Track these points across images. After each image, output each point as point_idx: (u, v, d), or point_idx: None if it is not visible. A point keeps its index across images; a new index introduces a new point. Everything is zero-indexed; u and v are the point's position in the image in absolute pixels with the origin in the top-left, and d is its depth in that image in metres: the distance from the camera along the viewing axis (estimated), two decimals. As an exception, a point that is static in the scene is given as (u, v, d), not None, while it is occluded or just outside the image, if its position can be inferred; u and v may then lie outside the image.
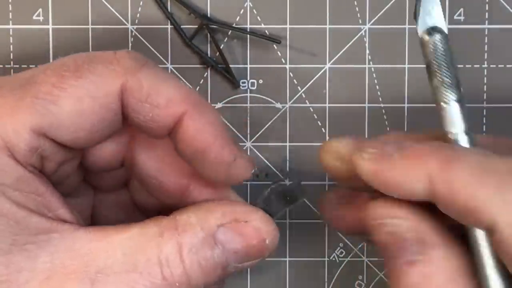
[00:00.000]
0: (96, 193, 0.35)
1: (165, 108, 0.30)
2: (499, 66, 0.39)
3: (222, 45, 0.39)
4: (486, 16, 0.39)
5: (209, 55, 0.39)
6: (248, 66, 0.40)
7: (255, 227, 0.30)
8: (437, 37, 0.29)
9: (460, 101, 0.29)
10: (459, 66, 0.39)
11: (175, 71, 0.39)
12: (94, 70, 0.29)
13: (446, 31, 0.29)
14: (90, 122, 0.29)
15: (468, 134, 0.29)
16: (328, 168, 0.31)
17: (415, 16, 0.29)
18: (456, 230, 0.28)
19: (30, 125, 0.28)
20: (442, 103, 0.29)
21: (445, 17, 0.39)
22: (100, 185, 0.35)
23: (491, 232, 0.26)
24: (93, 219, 0.35)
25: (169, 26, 0.39)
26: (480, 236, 0.28)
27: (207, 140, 0.30)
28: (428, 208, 0.28)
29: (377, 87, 0.39)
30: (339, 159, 0.30)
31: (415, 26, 0.39)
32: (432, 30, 0.29)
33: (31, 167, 0.29)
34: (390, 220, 0.29)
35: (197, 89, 0.40)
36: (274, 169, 0.40)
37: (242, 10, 0.39)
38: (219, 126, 0.31)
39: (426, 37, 0.29)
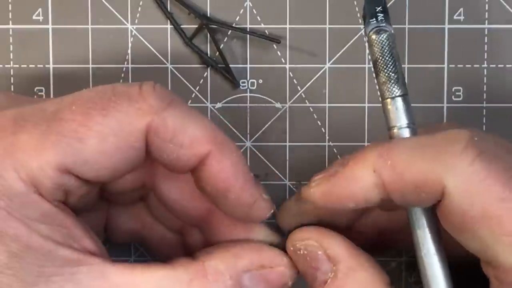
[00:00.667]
0: (110, 205, 0.35)
1: (190, 148, 0.30)
2: (499, 66, 0.39)
3: (222, 45, 0.39)
4: (486, 16, 0.39)
5: (209, 55, 0.39)
6: (248, 66, 0.40)
7: (280, 273, 0.31)
8: (384, 36, 0.31)
9: (404, 95, 0.30)
10: (459, 66, 0.39)
11: (175, 71, 0.39)
12: (120, 108, 0.29)
13: (391, 31, 0.31)
14: (113, 160, 0.29)
15: (411, 127, 0.30)
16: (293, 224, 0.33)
17: (364, 18, 0.31)
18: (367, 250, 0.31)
19: (55, 163, 0.28)
20: (388, 99, 0.30)
21: (445, 17, 0.39)
22: (115, 200, 0.35)
23: (440, 203, 0.28)
24: (107, 229, 0.35)
25: (169, 26, 0.39)
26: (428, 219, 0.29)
27: (228, 182, 0.30)
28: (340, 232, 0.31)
29: (377, 87, 0.39)
30: (298, 209, 0.32)
31: (415, 26, 0.39)
32: (379, 30, 0.30)
33: (56, 202, 0.29)
34: (301, 242, 0.31)
35: (197, 89, 0.40)
36: (274, 169, 0.40)
37: (242, 10, 0.39)
38: (241, 167, 0.31)
39: (373, 36, 0.31)
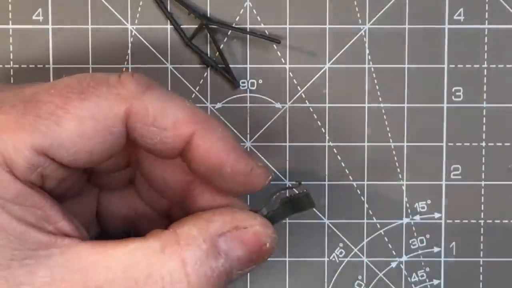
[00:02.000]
0: (101, 191, 0.35)
1: (173, 130, 0.30)
2: (499, 66, 0.39)
3: (222, 45, 0.39)
4: (486, 16, 0.39)
5: (209, 55, 0.39)
6: (248, 66, 0.40)
7: (255, 233, 0.30)
8: None
9: None
10: (459, 66, 0.39)
11: (175, 71, 0.39)
12: (99, 93, 0.29)
13: None
14: (91, 144, 0.29)
15: None
16: None
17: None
18: None
19: (31, 143, 0.28)
20: None
21: (445, 17, 0.39)
22: (105, 184, 0.35)
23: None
24: (99, 217, 0.35)
25: (168, 26, 0.39)
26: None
27: (220, 156, 0.30)
28: None
29: (377, 87, 0.39)
30: None
31: (415, 26, 0.39)
32: None
33: (30, 183, 0.29)
34: None
35: (197, 89, 0.40)
36: (274, 169, 0.40)
37: (242, 10, 0.39)
38: (230, 140, 0.31)
39: None
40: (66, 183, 0.31)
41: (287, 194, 0.34)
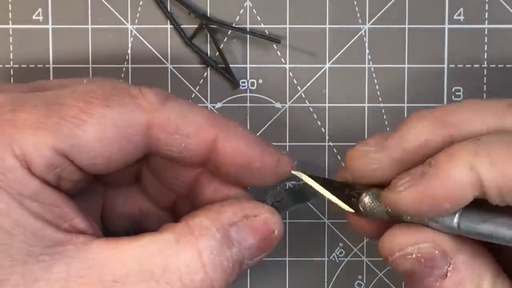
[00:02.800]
0: (106, 189, 0.35)
1: (196, 135, 0.30)
2: (499, 66, 0.39)
3: (222, 45, 0.39)
4: (486, 16, 0.39)
5: (209, 55, 0.39)
6: (248, 66, 0.40)
7: (264, 220, 0.31)
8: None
9: None
10: (459, 66, 0.39)
11: (175, 71, 0.39)
12: (122, 102, 0.29)
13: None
14: (110, 151, 0.29)
15: None
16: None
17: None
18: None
19: (52, 144, 0.28)
20: None
21: (445, 17, 0.39)
22: (111, 181, 0.35)
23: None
24: (104, 215, 0.36)
25: (169, 26, 0.39)
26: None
27: (247, 154, 0.31)
28: None
29: (377, 87, 0.39)
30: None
31: (415, 26, 0.39)
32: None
33: (47, 182, 0.29)
34: (412, 247, 0.30)
35: (197, 89, 0.40)
36: (274, 169, 0.40)
37: (242, 10, 0.39)
38: (251, 136, 0.32)
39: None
40: (79, 185, 0.31)
41: (290, 185, 0.35)
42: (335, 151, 0.40)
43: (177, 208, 0.35)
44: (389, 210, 0.30)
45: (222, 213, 0.31)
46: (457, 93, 0.39)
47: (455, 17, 0.39)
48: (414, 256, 0.30)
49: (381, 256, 0.31)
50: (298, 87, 0.40)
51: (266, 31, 0.39)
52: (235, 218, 0.31)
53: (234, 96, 0.40)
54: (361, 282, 0.40)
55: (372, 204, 0.31)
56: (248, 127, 0.40)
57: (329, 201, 0.33)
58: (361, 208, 0.31)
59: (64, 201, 0.29)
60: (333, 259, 0.40)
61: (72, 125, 0.28)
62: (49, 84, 0.32)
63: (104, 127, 0.29)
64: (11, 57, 0.39)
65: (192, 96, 0.40)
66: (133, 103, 0.30)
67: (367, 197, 0.31)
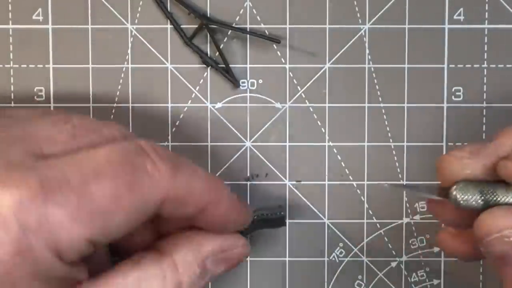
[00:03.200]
0: None
1: (194, 205, 0.32)
2: (499, 66, 0.39)
3: (222, 45, 0.39)
4: (486, 16, 0.39)
5: (209, 55, 0.39)
6: (248, 66, 0.39)
7: (237, 253, 0.35)
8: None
9: None
10: (459, 66, 0.39)
11: (175, 71, 0.39)
12: (142, 184, 0.30)
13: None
14: (131, 228, 0.31)
15: None
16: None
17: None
18: None
19: (84, 237, 0.29)
20: None
21: (445, 17, 0.39)
22: None
23: None
24: None
25: (168, 26, 0.39)
26: None
27: (227, 218, 0.34)
28: None
29: (377, 87, 0.39)
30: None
31: (415, 26, 0.39)
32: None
33: (71, 261, 0.30)
34: (509, 230, 0.30)
35: (197, 89, 0.40)
36: (274, 169, 0.40)
37: (242, 10, 0.39)
38: (234, 200, 0.34)
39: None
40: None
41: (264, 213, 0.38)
42: (335, 151, 0.40)
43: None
44: (484, 196, 0.31)
45: (203, 246, 0.34)
46: (457, 93, 0.39)
47: (455, 17, 0.39)
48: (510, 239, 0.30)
49: (476, 236, 0.30)
50: (298, 87, 0.39)
51: (266, 31, 0.39)
52: (213, 252, 0.34)
53: (234, 96, 0.40)
54: (361, 282, 0.40)
55: (464, 193, 0.31)
56: (248, 127, 0.40)
57: (423, 190, 0.33)
58: (452, 197, 0.31)
59: (84, 275, 0.31)
60: (333, 259, 0.40)
61: (103, 217, 0.29)
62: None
63: (129, 213, 0.30)
64: (11, 57, 0.39)
65: (192, 96, 0.39)
66: (151, 183, 0.31)
67: (457, 189, 0.31)
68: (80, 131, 0.31)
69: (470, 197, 0.31)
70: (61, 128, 0.32)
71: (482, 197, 0.31)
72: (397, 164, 0.40)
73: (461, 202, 0.31)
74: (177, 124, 0.40)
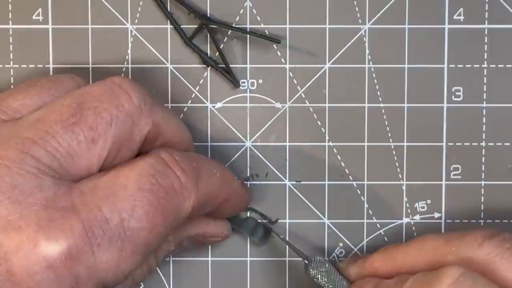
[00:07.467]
0: None
1: (212, 206, 0.35)
2: (499, 66, 0.39)
3: (222, 45, 0.39)
4: (486, 16, 0.39)
5: (209, 55, 0.39)
6: (248, 66, 0.40)
7: (216, 240, 0.38)
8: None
9: None
10: (459, 66, 0.39)
11: (175, 71, 0.39)
12: (173, 206, 0.32)
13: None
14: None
15: None
16: None
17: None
18: None
19: (129, 270, 0.31)
20: None
21: (445, 17, 0.39)
22: None
23: None
24: None
25: (168, 26, 0.39)
26: None
27: (233, 209, 0.37)
28: None
29: (377, 87, 0.39)
30: None
31: (415, 26, 0.39)
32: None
33: None
34: None
35: (197, 89, 0.40)
36: (274, 169, 0.40)
37: (242, 10, 0.39)
38: (244, 193, 0.38)
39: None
40: None
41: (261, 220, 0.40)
42: (335, 151, 0.40)
43: None
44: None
45: (187, 229, 0.37)
46: (457, 93, 0.39)
47: (455, 17, 0.39)
48: None
49: None
50: (298, 87, 0.39)
51: (266, 31, 0.39)
52: (195, 237, 0.37)
53: (234, 96, 0.40)
54: (361, 282, 0.40)
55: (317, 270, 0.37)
56: (248, 127, 0.40)
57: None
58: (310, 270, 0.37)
59: None
60: (333, 259, 0.40)
61: (145, 250, 0.31)
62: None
63: (164, 238, 0.32)
64: (11, 57, 0.39)
65: (192, 96, 0.40)
66: (180, 203, 0.32)
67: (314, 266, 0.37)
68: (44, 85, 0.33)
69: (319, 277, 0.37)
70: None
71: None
72: (397, 164, 0.40)
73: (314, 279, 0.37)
74: (177, 124, 0.40)
